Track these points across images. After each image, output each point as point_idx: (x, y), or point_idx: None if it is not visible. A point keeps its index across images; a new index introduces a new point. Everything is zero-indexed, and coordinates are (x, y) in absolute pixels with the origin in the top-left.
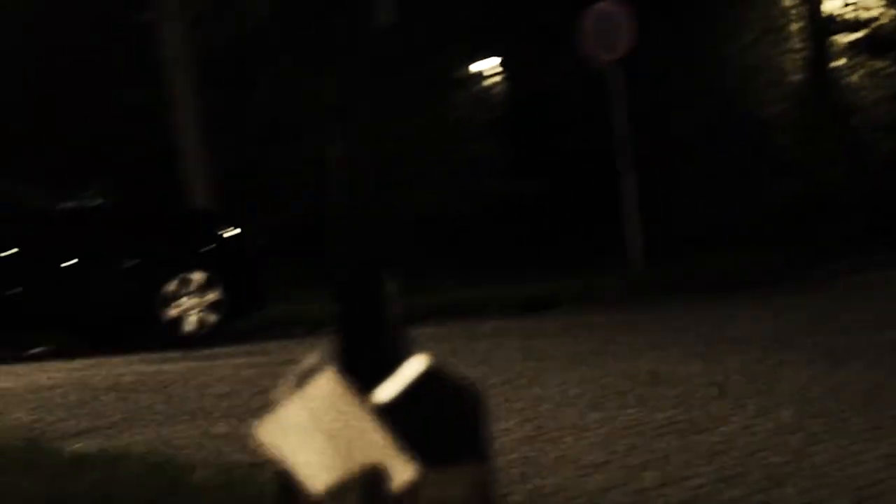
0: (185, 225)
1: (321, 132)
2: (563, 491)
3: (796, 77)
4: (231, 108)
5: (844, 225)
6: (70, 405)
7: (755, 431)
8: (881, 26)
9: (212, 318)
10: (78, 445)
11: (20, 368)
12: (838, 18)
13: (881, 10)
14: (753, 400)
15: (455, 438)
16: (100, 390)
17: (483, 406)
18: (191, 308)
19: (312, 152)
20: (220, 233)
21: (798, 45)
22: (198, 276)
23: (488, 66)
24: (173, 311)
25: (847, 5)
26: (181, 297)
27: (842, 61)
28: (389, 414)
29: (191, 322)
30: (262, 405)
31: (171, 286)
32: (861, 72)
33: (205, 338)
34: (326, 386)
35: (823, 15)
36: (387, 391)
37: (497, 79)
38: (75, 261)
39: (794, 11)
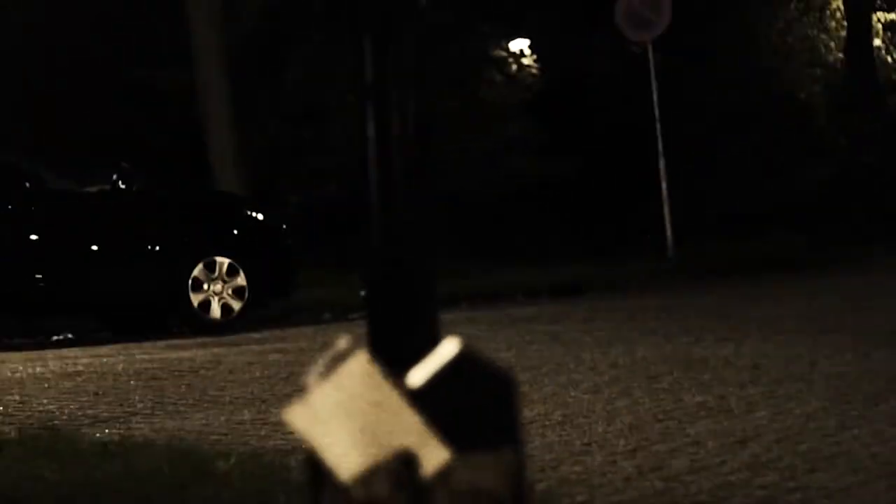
0: (211, 209)
1: (355, 113)
2: (592, 478)
3: (834, 57)
4: (262, 90)
5: (878, 207)
6: (94, 392)
7: (788, 416)
8: None
9: (238, 303)
10: (102, 433)
11: (44, 355)
12: None
13: None
14: (786, 384)
15: (488, 423)
16: (124, 377)
17: (516, 391)
18: (217, 293)
19: (344, 133)
20: (247, 217)
21: (836, 24)
22: (225, 261)
23: (523, 45)
24: (200, 297)
25: None
26: (208, 282)
27: (880, 41)
28: (421, 398)
29: (217, 307)
30: (289, 391)
31: (198, 271)
32: None
33: (232, 323)
34: (358, 370)
35: None
36: (419, 375)
37: (532, 59)
38: (100, 245)
39: None
